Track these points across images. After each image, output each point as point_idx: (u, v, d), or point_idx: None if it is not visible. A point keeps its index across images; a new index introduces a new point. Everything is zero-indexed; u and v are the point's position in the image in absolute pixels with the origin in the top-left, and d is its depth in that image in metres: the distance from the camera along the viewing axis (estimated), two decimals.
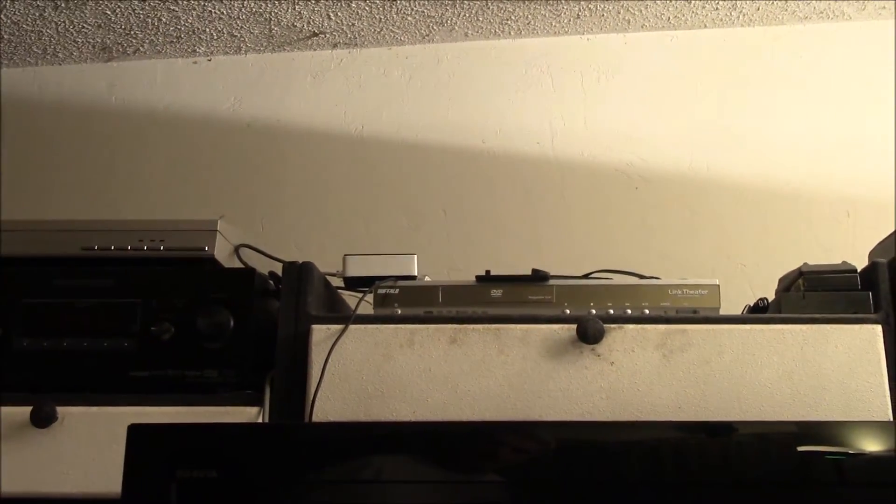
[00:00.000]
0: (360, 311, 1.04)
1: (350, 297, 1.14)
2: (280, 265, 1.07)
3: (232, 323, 1.03)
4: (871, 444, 0.78)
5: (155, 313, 1.04)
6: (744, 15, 1.66)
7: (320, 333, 1.00)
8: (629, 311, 1.02)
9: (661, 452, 0.80)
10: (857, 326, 0.97)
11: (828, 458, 0.78)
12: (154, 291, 1.06)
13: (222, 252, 1.11)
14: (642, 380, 0.97)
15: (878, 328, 0.97)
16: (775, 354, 0.96)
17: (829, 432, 0.79)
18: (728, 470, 0.79)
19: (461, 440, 0.81)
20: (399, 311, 1.04)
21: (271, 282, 1.11)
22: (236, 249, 1.14)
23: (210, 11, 1.64)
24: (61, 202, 1.69)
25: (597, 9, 1.64)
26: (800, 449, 0.78)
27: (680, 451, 0.80)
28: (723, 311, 1.03)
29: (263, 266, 1.13)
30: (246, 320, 1.04)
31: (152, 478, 0.81)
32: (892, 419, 0.93)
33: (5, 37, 1.70)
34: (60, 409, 1.00)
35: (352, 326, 1.00)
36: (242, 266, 1.13)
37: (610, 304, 1.03)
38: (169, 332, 1.03)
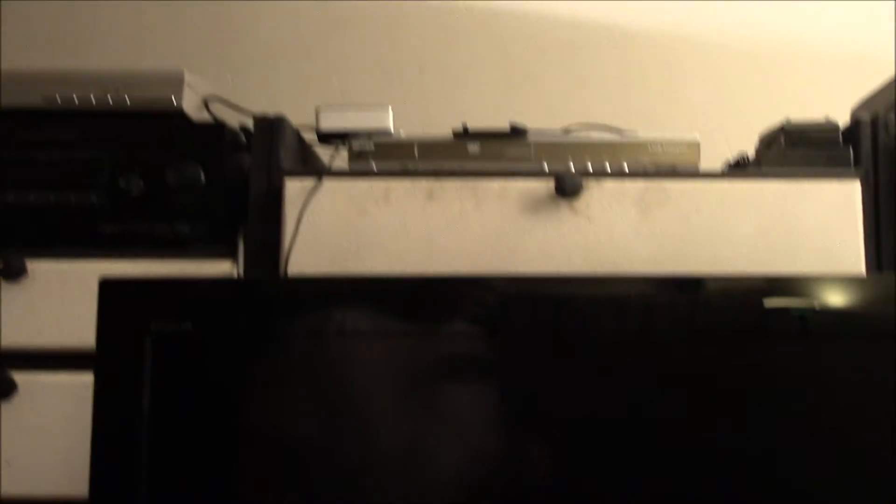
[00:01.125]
0: (335, 166, 1.02)
1: (324, 153, 1.12)
2: (251, 119, 1.04)
3: (203, 177, 1.00)
4: (837, 299, 0.79)
5: (122, 167, 1.02)
6: None
7: (294, 188, 0.98)
8: (608, 167, 1.01)
9: (629, 306, 0.80)
10: (836, 183, 0.97)
11: (793, 313, 0.78)
12: (121, 144, 1.02)
13: (190, 104, 1.07)
14: (620, 236, 0.97)
15: (857, 184, 0.97)
16: (753, 210, 0.96)
17: (796, 287, 0.79)
18: (695, 323, 0.79)
19: (435, 293, 0.81)
20: (374, 166, 1.02)
21: (242, 135, 1.08)
22: (205, 102, 1.10)
23: None
24: (18, 52, 1.62)
25: None
26: (766, 304, 0.79)
27: (648, 305, 0.80)
28: (702, 169, 1.02)
29: (234, 120, 1.09)
30: (217, 174, 1.01)
31: (126, 331, 0.81)
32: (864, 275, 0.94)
33: None
34: (30, 265, 0.99)
35: (326, 182, 0.98)
36: (212, 119, 1.10)
37: (588, 159, 1.02)
38: (138, 186, 1.00)
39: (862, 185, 0.97)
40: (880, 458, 0.77)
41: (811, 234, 0.95)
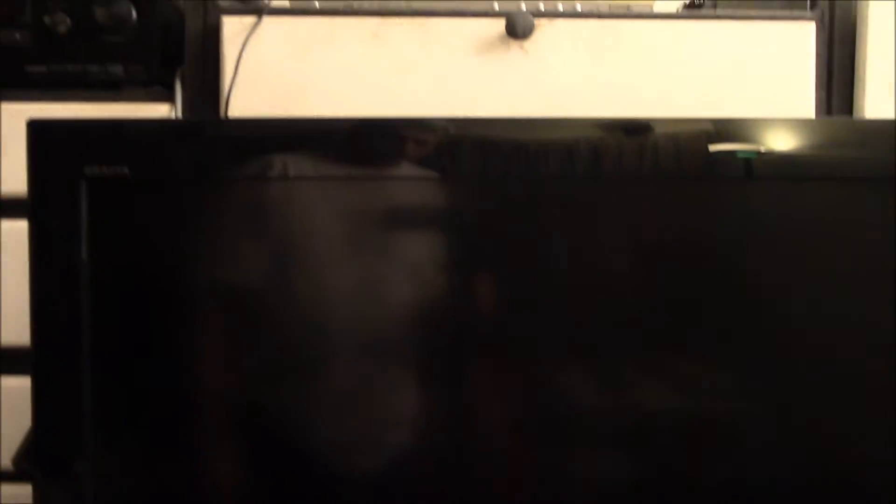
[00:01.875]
0: (275, 3, 0.96)
1: None
2: None
3: (134, 15, 0.95)
4: (783, 142, 0.78)
5: (47, 4, 0.95)
6: None
7: (232, 27, 0.93)
8: (560, 7, 0.97)
9: (578, 149, 0.79)
10: (792, 24, 0.95)
11: (739, 156, 0.78)
12: None
13: None
14: (572, 79, 0.94)
15: (812, 26, 0.95)
16: (708, 53, 0.94)
17: (743, 130, 0.78)
18: (643, 166, 0.79)
19: (380, 135, 0.79)
20: (317, 4, 0.97)
21: None
22: None
23: None
24: None
25: None
26: (712, 147, 0.78)
27: (596, 149, 0.79)
28: (657, 10, 0.99)
29: None
30: (149, 12, 0.95)
31: (59, 176, 0.77)
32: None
33: None
34: None
35: (267, 20, 0.94)
36: None
37: None
38: (65, 24, 0.94)
39: (817, 28, 0.95)
40: (820, 292, 0.79)
41: (765, 76, 0.94)
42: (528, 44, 0.94)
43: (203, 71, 0.95)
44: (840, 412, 0.80)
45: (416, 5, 0.97)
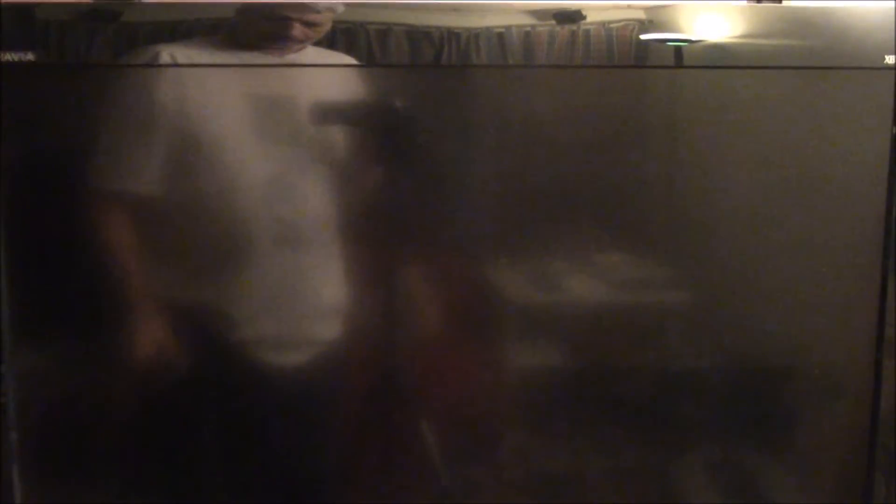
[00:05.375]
0: None
1: None
2: None
3: None
4: (713, 30, 0.78)
5: None
6: None
7: None
8: None
9: (508, 38, 0.77)
10: None
11: (669, 44, 0.78)
12: None
13: None
14: None
15: None
16: None
17: (675, 17, 0.78)
18: (573, 54, 0.78)
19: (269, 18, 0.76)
20: None
21: None
22: None
23: None
24: None
25: None
26: (643, 35, 0.77)
27: (528, 37, 0.77)
28: None
29: None
30: None
31: None
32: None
33: None
34: None
35: None
36: None
37: None
38: None
39: None
40: (749, 180, 0.81)
41: None
42: None
43: None
44: (765, 302, 0.82)
45: None
